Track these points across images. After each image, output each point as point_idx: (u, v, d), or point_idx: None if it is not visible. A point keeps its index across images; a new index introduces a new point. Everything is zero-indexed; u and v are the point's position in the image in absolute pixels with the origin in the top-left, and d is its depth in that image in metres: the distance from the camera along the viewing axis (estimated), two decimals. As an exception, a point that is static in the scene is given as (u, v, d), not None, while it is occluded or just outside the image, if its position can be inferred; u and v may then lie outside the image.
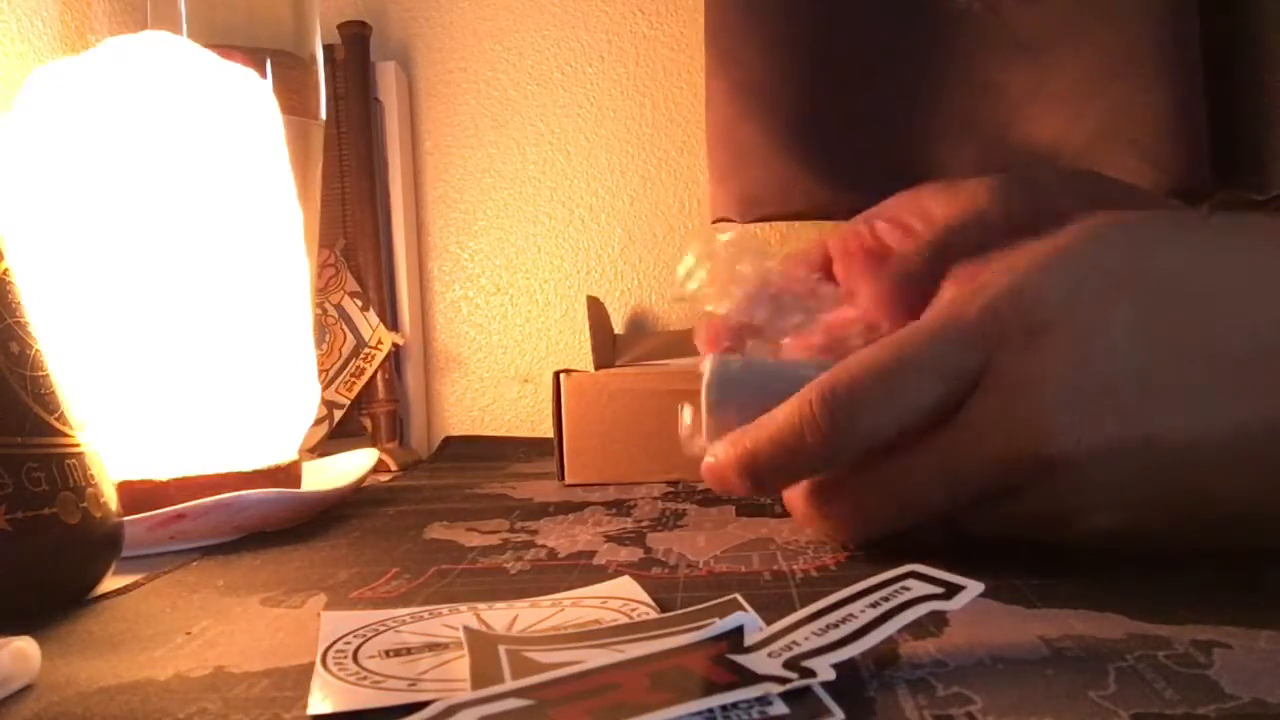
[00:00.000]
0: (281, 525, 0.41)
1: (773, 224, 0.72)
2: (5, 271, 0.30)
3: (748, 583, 0.29)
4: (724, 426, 0.31)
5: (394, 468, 0.64)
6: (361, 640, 0.24)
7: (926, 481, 0.28)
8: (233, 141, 0.42)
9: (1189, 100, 0.60)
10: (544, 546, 0.36)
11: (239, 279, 0.41)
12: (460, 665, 0.21)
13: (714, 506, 0.43)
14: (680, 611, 0.24)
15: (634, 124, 0.77)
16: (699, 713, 0.17)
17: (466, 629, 0.23)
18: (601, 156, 0.77)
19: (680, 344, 0.63)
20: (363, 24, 0.72)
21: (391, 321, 0.73)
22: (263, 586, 0.31)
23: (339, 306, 0.71)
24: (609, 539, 0.37)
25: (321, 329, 0.69)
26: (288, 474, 0.44)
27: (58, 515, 0.29)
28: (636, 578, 0.29)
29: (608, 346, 0.67)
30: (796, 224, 0.71)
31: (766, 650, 0.19)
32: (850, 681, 0.19)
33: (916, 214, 0.38)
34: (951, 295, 0.30)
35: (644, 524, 0.40)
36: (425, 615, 0.26)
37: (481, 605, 0.27)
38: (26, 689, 0.22)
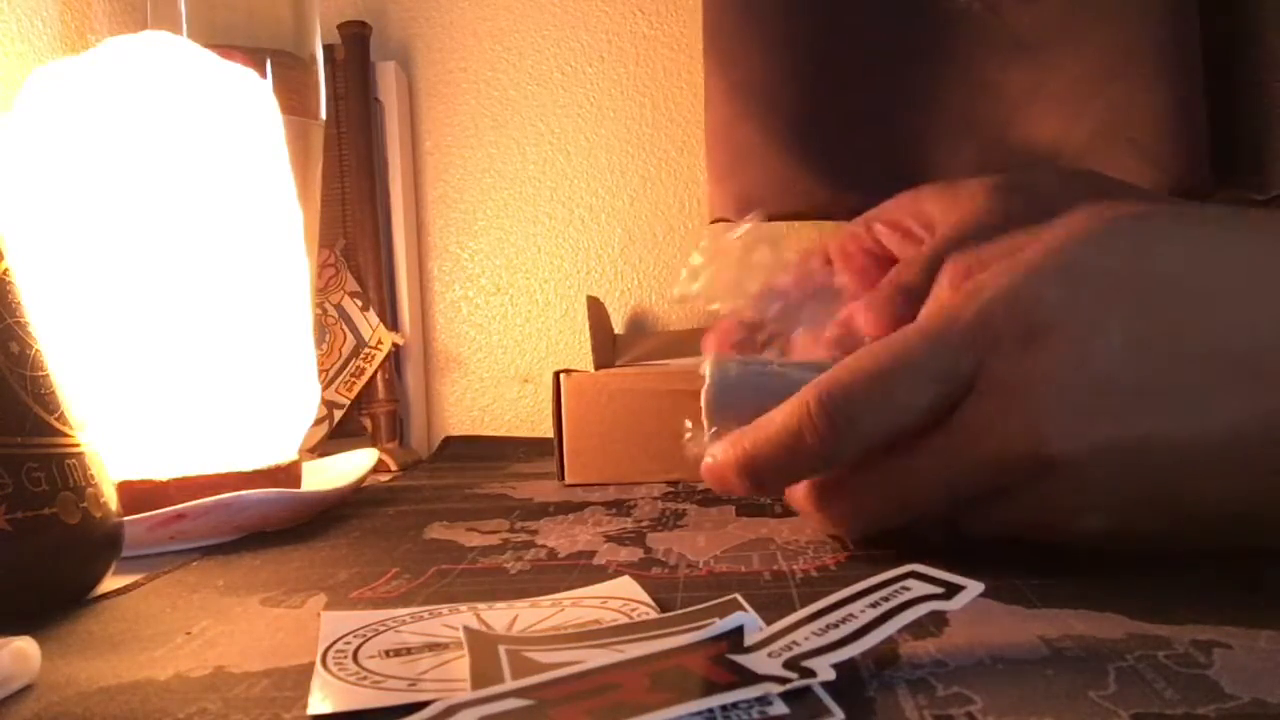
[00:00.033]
0: (281, 525, 0.41)
1: (772, 224, 0.72)
2: (5, 271, 0.30)
3: (748, 583, 0.29)
4: (724, 428, 0.31)
5: (394, 468, 0.64)
6: (361, 640, 0.24)
7: (926, 482, 0.28)
8: (233, 142, 0.42)
9: (1189, 100, 0.60)
10: (544, 546, 0.36)
11: (239, 279, 0.41)
12: (460, 665, 0.21)
13: (714, 506, 0.43)
14: (680, 611, 0.24)
15: (634, 124, 0.77)
16: (699, 713, 0.17)
17: (466, 629, 0.23)
18: (601, 156, 0.77)
19: (680, 344, 0.63)
20: (363, 24, 0.72)
21: (391, 321, 0.73)
22: (263, 586, 0.31)
23: (339, 306, 0.71)
24: (609, 539, 0.37)
25: (321, 329, 0.69)
26: (288, 474, 0.44)
27: (58, 515, 0.29)
28: (636, 578, 0.29)
29: (608, 346, 0.67)
30: (796, 224, 0.71)
31: (766, 650, 0.19)
32: (850, 681, 0.19)
33: (916, 217, 0.38)
34: (947, 296, 0.30)
35: (644, 524, 0.40)
36: (425, 615, 0.26)
37: (481, 605, 0.27)
38: (26, 689, 0.22)
